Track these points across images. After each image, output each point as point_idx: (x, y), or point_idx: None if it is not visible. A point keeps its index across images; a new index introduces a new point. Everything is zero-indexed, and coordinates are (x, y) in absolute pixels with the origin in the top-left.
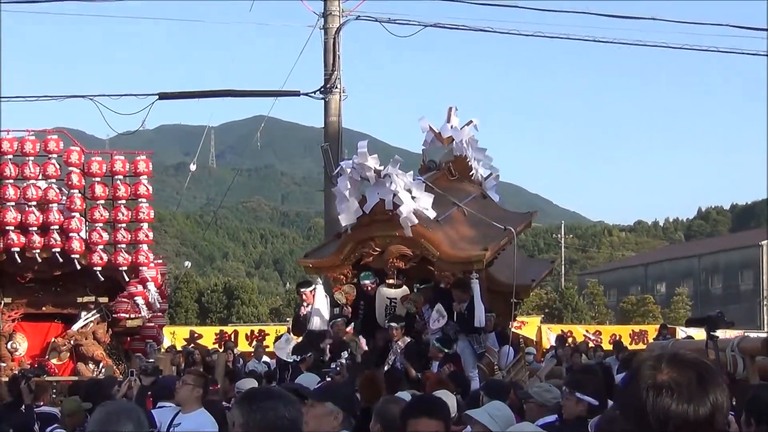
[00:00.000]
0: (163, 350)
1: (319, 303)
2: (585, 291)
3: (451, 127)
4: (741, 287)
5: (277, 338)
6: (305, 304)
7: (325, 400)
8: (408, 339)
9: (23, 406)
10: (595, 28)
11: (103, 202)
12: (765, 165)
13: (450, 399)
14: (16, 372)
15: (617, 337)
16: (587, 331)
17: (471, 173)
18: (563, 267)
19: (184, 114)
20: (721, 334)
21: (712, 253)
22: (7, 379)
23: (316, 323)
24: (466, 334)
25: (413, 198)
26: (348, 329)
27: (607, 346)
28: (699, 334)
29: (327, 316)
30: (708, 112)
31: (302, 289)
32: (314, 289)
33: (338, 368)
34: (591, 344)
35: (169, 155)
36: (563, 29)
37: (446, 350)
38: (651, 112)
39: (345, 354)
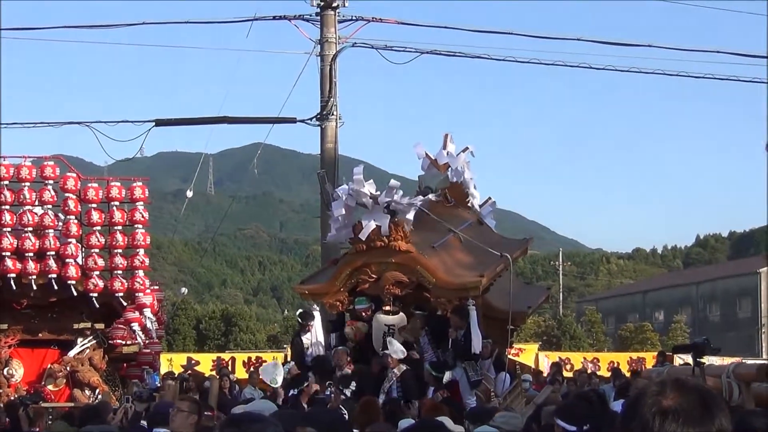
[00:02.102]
0: (160, 378)
1: (317, 331)
2: (583, 318)
3: (447, 153)
4: (739, 315)
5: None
6: (307, 333)
7: (307, 425)
8: (404, 367)
9: None
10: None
11: (99, 228)
12: (764, 193)
13: (448, 424)
14: (14, 398)
15: (615, 364)
16: (585, 358)
17: (467, 199)
18: (561, 294)
19: (182, 141)
20: (717, 361)
21: (710, 280)
22: (2, 405)
23: (314, 352)
24: (462, 360)
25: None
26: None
27: (605, 374)
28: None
29: (323, 342)
30: (706, 139)
31: (307, 322)
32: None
33: (331, 395)
34: (589, 370)
35: (167, 182)
36: (559, 56)
37: (438, 375)
38: (648, 140)
39: (353, 385)
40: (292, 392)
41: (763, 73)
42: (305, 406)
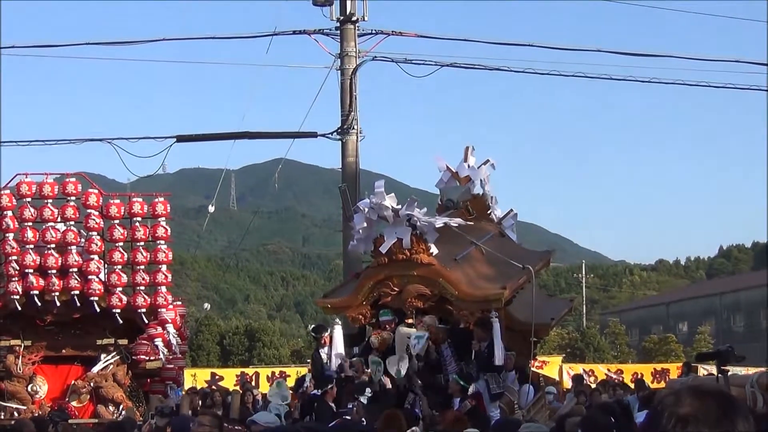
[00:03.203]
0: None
1: (337, 344)
2: (607, 330)
3: (468, 166)
4: (763, 325)
5: (299, 379)
6: (324, 346)
7: None
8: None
9: None
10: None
11: (121, 244)
12: None
13: None
14: (41, 414)
15: (639, 376)
16: (609, 369)
17: (489, 212)
18: (584, 307)
19: (204, 158)
20: (741, 370)
21: (734, 291)
22: (32, 421)
23: (335, 364)
24: (485, 372)
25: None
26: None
27: (629, 384)
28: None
29: (342, 352)
30: (728, 150)
31: (321, 334)
32: (330, 330)
33: (354, 408)
34: (613, 382)
35: (189, 199)
36: (579, 67)
37: (465, 385)
38: (670, 151)
39: (368, 391)
40: (315, 392)
41: None
42: (331, 404)
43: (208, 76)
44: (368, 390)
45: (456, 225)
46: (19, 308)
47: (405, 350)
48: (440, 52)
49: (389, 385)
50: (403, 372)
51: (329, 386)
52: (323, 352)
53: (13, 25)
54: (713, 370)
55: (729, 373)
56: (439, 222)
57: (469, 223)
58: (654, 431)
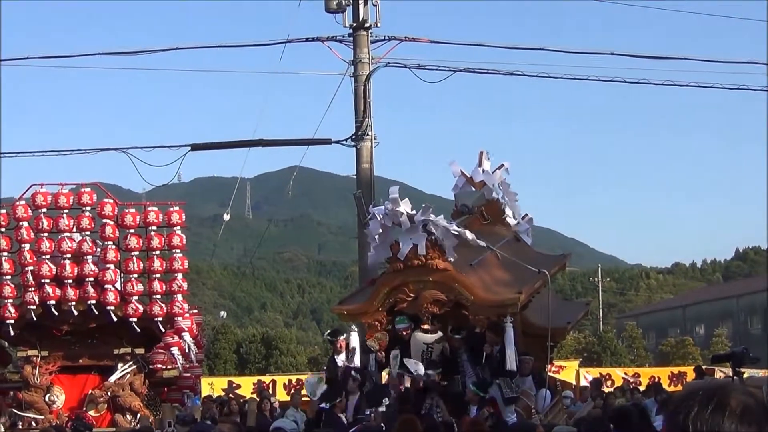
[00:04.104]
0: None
1: (353, 352)
2: (623, 334)
3: (483, 171)
4: None
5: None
6: (340, 352)
7: None
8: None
9: None
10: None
11: (137, 253)
12: None
13: None
14: (59, 423)
15: (656, 379)
16: (626, 373)
17: (504, 217)
18: (601, 311)
19: (218, 167)
20: (758, 372)
21: (751, 293)
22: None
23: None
24: (497, 377)
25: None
26: (383, 375)
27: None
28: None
29: (358, 364)
30: (744, 152)
31: (339, 338)
32: (347, 336)
33: (372, 414)
34: (631, 386)
35: (205, 208)
36: (591, 71)
37: (482, 394)
38: (685, 154)
39: (386, 401)
40: (322, 406)
41: None
42: (340, 416)
43: (222, 84)
44: (386, 400)
45: (471, 238)
46: (36, 318)
47: (421, 357)
48: (454, 57)
49: (408, 384)
50: (422, 371)
51: (338, 399)
52: (339, 359)
53: (28, 37)
54: (730, 372)
55: (745, 375)
56: (455, 229)
57: (481, 242)
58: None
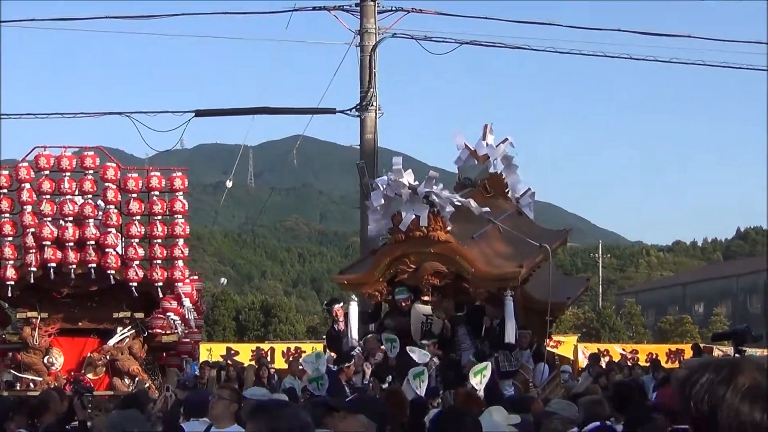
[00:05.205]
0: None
1: (352, 320)
2: (623, 311)
3: (487, 144)
4: None
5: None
6: (338, 320)
7: (358, 412)
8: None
9: (77, 422)
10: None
11: (139, 217)
12: None
13: (500, 413)
14: (58, 385)
15: (654, 356)
16: (624, 349)
17: (506, 190)
18: (600, 287)
19: (222, 134)
20: (756, 352)
21: (751, 273)
22: (55, 392)
23: (347, 344)
24: (496, 350)
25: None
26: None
27: (644, 365)
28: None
29: (356, 336)
30: (746, 131)
31: (334, 306)
32: (345, 305)
33: (370, 384)
34: (629, 362)
35: (207, 174)
36: (600, 47)
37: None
38: (689, 132)
39: (389, 378)
40: (330, 367)
41: None
42: (344, 383)
43: (228, 52)
44: (389, 378)
45: (474, 206)
46: (36, 280)
47: (420, 328)
48: (461, 29)
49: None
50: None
51: (346, 364)
52: (338, 327)
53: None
54: (728, 351)
55: (745, 354)
56: (458, 199)
57: (485, 209)
58: (695, 400)
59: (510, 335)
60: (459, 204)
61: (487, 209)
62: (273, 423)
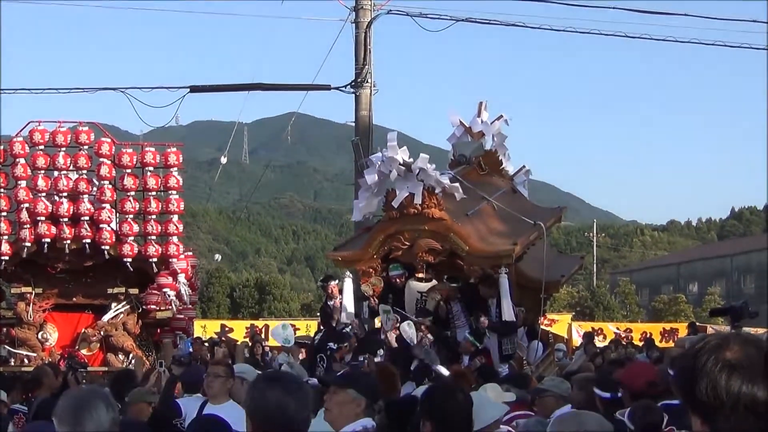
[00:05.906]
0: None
1: (346, 297)
2: (617, 290)
3: (482, 121)
4: None
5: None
6: (333, 297)
7: (348, 387)
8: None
9: None
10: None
11: (133, 193)
12: None
13: (494, 390)
14: (52, 361)
15: (648, 335)
16: (618, 328)
17: (501, 167)
18: (595, 266)
19: (217, 110)
20: (750, 331)
21: (745, 252)
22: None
23: (343, 317)
24: (504, 338)
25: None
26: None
27: (638, 344)
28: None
29: (352, 311)
30: (742, 111)
31: (330, 283)
32: (340, 282)
33: (365, 361)
34: (623, 341)
35: (202, 151)
36: (595, 24)
37: (478, 345)
38: (684, 112)
39: (381, 352)
40: (330, 345)
41: None
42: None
43: (223, 27)
44: (380, 351)
45: (458, 197)
46: (30, 256)
47: (414, 305)
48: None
49: (395, 344)
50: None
51: (344, 344)
52: (331, 303)
53: None
54: (723, 329)
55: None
56: (446, 183)
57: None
58: (690, 380)
59: (507, 313)
60: (446, 187)
61: (465, 196)
62: (257, 399)
